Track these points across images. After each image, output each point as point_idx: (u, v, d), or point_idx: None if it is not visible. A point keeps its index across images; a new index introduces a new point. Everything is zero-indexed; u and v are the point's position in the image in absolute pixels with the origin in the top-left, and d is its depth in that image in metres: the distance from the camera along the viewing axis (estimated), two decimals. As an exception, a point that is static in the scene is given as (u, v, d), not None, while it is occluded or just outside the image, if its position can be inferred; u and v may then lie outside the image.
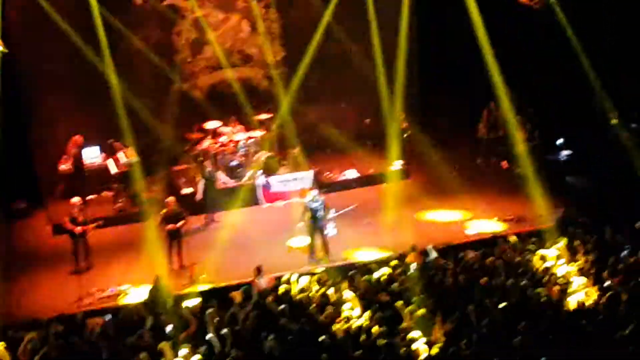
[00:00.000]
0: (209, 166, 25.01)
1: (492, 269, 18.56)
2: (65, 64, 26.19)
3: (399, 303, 16.70)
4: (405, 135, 27.35)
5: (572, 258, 19.01)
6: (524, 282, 17.55)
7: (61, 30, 25.09)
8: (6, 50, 22.78)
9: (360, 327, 16.18)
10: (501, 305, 16.49)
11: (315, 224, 21.98)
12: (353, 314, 16.88)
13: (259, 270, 19.64)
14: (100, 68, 25.44)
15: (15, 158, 25.08)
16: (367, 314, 16.66)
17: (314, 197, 22.03)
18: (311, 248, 22.05)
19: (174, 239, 21.85)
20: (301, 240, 22.55)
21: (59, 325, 17.54)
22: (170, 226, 21.73)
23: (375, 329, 15.91)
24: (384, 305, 16.93)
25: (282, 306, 17.20)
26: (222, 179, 25.83)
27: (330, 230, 22.67)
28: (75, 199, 22.53)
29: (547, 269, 18.50)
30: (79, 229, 21.91)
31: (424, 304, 16.62)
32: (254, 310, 17.14)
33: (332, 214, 22.88)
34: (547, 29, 25.29)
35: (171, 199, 22.37)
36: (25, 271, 22.27)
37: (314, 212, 21.90)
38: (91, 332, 17.40)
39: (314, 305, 17.38)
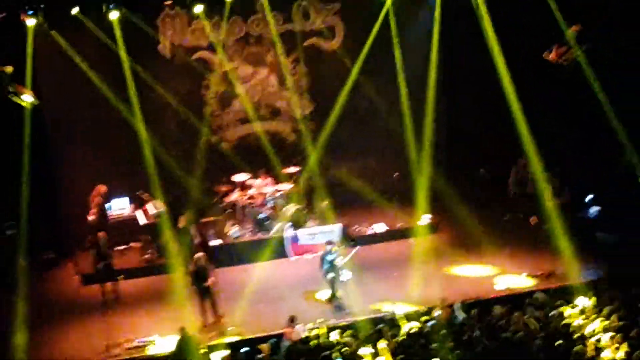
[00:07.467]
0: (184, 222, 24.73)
1: (520, 325, 18.39)
2: (94, 116, 26.39)
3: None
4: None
5: (600, 314, 18.84)
6: (559, 341, 17.34)
7: (91, 82, 25.37)
8: (37, 102, 22.94)
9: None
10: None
11: (334, 276, 22.02)
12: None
13: (292, 320, 19.59)
14: (129, 120, 25.65)
15: (44, 208, 25.24)
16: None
17: (331, 250, 22.10)
18: (334, 300, 22.06)
19: (205, 295, 21.65)
20: (326, 293, 22.55)
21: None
22: (202, 284, 21.54)
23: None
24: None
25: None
26: (233, 233, 25.93)
27: (346, 275, 22.42)
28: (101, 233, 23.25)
29: (575, 325, 18.34)
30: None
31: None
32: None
33: (339, 261, 22.44)
34: (575, 85, 25.29)
35: (201, 254, 22.16)
36: (54, 321, 22.30)
37: (331, 264, 21.96)
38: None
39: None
